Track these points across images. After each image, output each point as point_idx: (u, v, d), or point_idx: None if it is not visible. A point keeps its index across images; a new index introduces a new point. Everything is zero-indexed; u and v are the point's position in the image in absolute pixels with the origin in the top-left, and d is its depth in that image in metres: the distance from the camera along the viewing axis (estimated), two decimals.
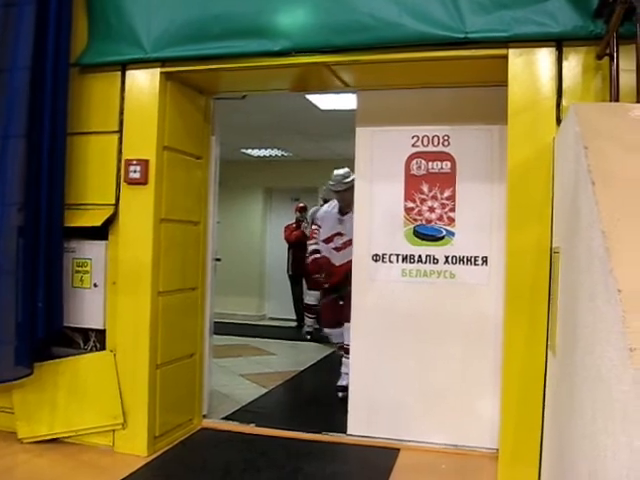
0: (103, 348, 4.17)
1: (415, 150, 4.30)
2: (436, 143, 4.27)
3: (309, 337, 8.98)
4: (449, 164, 4.23)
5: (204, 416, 4.69)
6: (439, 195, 4.23)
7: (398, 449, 4.15)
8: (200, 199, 4.63)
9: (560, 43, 3.39)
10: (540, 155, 3.37)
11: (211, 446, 4.27)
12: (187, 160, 4.44)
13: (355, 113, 4.49)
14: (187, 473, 3.81)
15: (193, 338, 4.58)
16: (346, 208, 5.52)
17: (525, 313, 3.39)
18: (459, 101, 4.20)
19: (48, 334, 3.98)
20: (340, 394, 5.30)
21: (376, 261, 4.34)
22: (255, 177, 11.10)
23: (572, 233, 2.59)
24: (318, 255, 5.82)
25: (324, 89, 4.86)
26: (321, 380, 6.18)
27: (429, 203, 4.24)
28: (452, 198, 4.21)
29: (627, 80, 3.01)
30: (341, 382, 5.50)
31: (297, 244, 9.09)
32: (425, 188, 4.26)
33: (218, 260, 5.01)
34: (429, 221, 4.24)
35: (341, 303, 5.47)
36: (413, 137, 4.31)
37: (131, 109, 4.12)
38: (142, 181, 4.04)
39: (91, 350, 4.22)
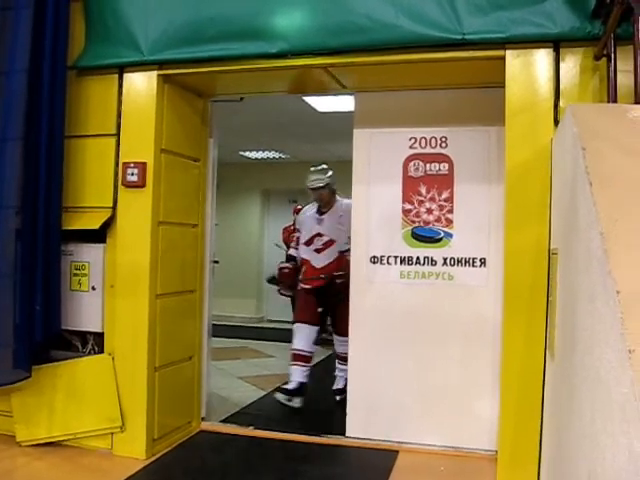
0: (101, 351, 4.17)
1: (413, 152, 4.30)
2: (434, 145, 4.27)
3: None
4: (447, 166, 4.23)
5: (203, 419, 4.68)
6: (437, 197, 4.22)
7: (397, 451, 4.15)
8: (198, 201, 4.63)
9: (557, 44, 3.39)
10: (538, 156, 3.37)
11: (210, 449, 4.27)
12: (185, 163, 4.43)
13: (353, 115, 4.49)
14: (186, 476, 3.81)
15: (191, 341, 4.57)
16: (324, 206, 5.55)
17: (523, 314, 3.40)
18: (456, 103, 4.21)
19: (46, 337, 3.98)
20: (337, 397, 5.36)
21: (374, 263, 4.34)
22: (253, 179, 11.11)
23: (570, 234, 2.59)
24: (285, 265, 5.94)
25: (322, 91, 4.86)
26: (320, 382, 6.15)
27: (427, 205, 4.24)
28: (450, 200, 4.21)
29: (625, 81, 3.01)
30: (336, 385, 5.60)
31: None
32: (423, 190, 4.26)
33: (216, 262, 5.00)
34: (427, 223, 4.24)
35: (319, 310, 5.54)
36: (411, 139, 4.31)
37: (129, 112, 4.12)
38: (140, 184, 4.03)
39: (89, 353, 4.22)
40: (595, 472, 1.79)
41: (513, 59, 3.46)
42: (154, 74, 4.07)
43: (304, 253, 5.67)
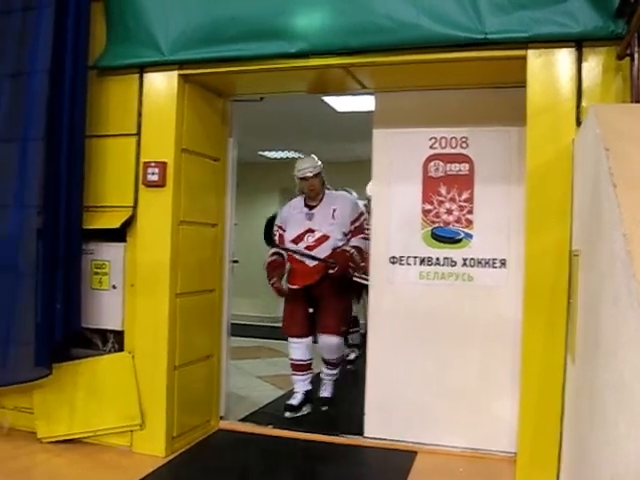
0: (121, 349, 4.20)
1: (433, 152, 4.28)
2: (454, 145, 4.25)
3: None
4: (467, 166, 4.21)
5: (221, 417, 4.70)
6: (457, 197, 4.20)
7: (415, 452, 4.13)
8: (218, 201, 4.64)
9: (580, 43, 3.35)
10: (559, 157, 3.34)
11: (228, 447, 4.28)
12: (205, 162, 4.45)
13: (373, 115, 4.48)
14: (204, 474, 3.83)
15: (210, 340, 4.59)
16: (314, 199, 5.04)
17: (544, 316, 3.37)
18: (477, 103, 4.18)
19: (67, 335, 4.01)
20: (323, 408, 5.16)
21: (394, 263, 4.33)
22: (272, 179, 11.11)
23: (593, 236, 2.57)
24: (275, 257, 5.20)
25: (341, 91, 4.85)
26: (338, 382, 6.15)
27: (447, 205, 4.22)
28: (470, 200, 4.18)
29: None
30: (323, 392, 5.33)
31: None
32: (443, 190, 4.24)
33: (235, 262, 5.01)
34: (447, 223, 4.22)
35: (311, 311, 5.09)
36: (431, 139, 4.29)
37: (149, 112, 4.14)
38: (160, 183, 4.05)
39: (110, 351, 4.24)
40: (618, 476, 1.77)
41: (535, 59, 3.42)
42: (174, 74, 4.08)
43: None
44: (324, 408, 5.09)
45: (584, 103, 3.32)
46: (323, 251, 4.89)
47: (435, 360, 4.22)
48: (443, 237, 4.22)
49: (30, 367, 3.93)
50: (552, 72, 3.40)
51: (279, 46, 3.78)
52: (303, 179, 5.00)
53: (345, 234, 4.96)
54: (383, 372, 4.35)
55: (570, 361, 3.13)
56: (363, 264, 4.92)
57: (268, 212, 11.43)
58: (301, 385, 5.12)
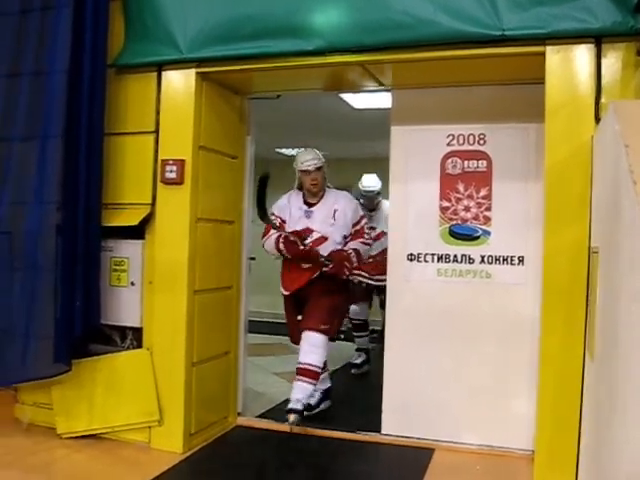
0: (140, 346, 4.22)
1: (450, 149, 4.27)
2: (472, 142, 4.23)
3: (342, 336, 8.97)
4: (485, 163, 4.19)
5: (239, 414, 4.71)
6: (475, 194, 4.19)
7: (433, 449, 4.12)
8: (235, 198, 4.66)
9: (599, 39, 3.33)
10: (578, 154, 3.32)
11: (246, 444, 4.30)
12: (222, 160, 4.46)
13: (390, 112, 4.47)
14: (222, 470, 3.84)
15: (228, 336, 4.61)
16: (315, 195, 4.60)
17: (562, 313, 3.36)
18: (495, 99, 4.16)
19: (86, 332, 4.05)
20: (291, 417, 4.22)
21: (411, 261, 4.32)
22: (289, 176, 11.11)
23: (612, 233, 2.55)
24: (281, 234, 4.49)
25: (358, 88, 4.84)
26: (354, 379, 6.17)
27: (465, 202, 4.20)
28: (488, 197, 4.17)
29: None
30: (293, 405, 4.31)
31: None
32: (461, 187, 4.22)
33: (253, 259, 5.02)
34: (465, 220, 4.21)
35: (299, 318, 4.53)
36: (448, 136, 4.27)
37: (167, 109, 4.16)
38: (178, 181, 4.07)
39: (128, 348, 4.28)
40: (637, 475, 1.77)
41: (553, 55, 3.41)
42: (192, 72, 4.10)
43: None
44: (298, 415, 4.24)
45: (603, 99, 3.30)
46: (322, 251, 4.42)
47: (453, 357, 4.20)
48: (461, 234, 4.21)
49: (49, 363, 3.96)
50: (571, 68, 3.38)
51: (296, 44, 3.79)
52: (305, 172, 4.56)
53: (345, 237, 4.56)
54: (401, 369, 4.34)
55: (589, 359, 3.11)
56: (360, 270, 4.88)
57: None
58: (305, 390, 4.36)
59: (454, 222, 4.23)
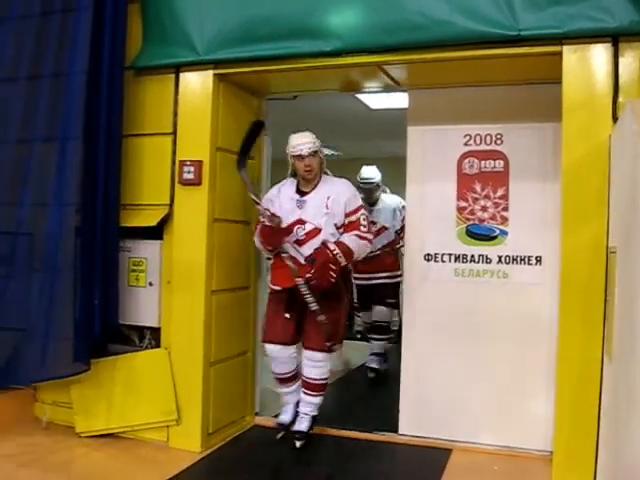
0: (158, 346, 4.25)
1: (467, 149, 4.26)
2: (489, 142, 4.22)
3: (359, 336, 8.94)
4: (502, 163, 4.18)
5: (256, 413, 4.73)
6: (492, 194, 4.18)
7: (450, 449, 4.11)
8: None
9: (616, 39, 3.31)
10: (596, 153, 3.31)
11: (263, 443, 4.30)
12: None
13: (406, 112, 4.47)
14: (240, 469, 3.86)
15: (245, 336, 4.62)
16: (309, 183, 4.11)
17: (580, 313, 3.35)
18: (512, 99, 4.15)
19: (105, 332, 4.08)
20: (298, 443, 4.13)
21: (428, 260, 4.31)
22: None
23: (630, 232, 2.54)
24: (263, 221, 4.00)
25: (375, 89, 4.84)
26: (371, 379, 6.16)
27: (482, 202, 4.19)
28: (505, 197, 4.16)
29: None
30: (298, 426, 4.22)
31: None
32: (478, 187, 4.21)
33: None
34: (482, 220, 4.20)
35: (287, 316, 4.07)
36: (465, 136, 4.27)
37: (185, 111, 4.19)
38: (196, 182, 4.09)
39: (146, 347, 4.31)
40: None
41: (570, 55, 3.40)
42: (209, 73, 4.12)
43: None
44: (298, 444, 4.13)
45: (621, 99, 3.29)
46: (314, 247, 3.98)
47: (470, 357, 4.19)
48: (478, 234, 4.20)
49: (68, 362, 4.00)
50: (588, 68, 3.37)
51: (313, 45, 3.80)
52: (298, 157, 4.05)
53: (337, 227, 4.03)
54: (418, 369, 4.34)
55: (607, 359, 3.10)
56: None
57: None
58: (291, 397, 4.31)
59: (471, 222, 4.22)
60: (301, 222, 4.04)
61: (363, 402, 5.42)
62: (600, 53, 3.35)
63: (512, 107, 4.16)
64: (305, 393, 4.20)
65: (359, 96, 6.03)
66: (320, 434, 4.39)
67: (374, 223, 5.57)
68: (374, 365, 6.14)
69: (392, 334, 6.27)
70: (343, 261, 3.93)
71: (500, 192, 4.17)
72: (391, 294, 6.15)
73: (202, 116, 4.14)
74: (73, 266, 3.97)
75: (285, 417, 4.29)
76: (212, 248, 4.15)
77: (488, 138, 4.22)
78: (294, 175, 4.20)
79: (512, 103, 4.16)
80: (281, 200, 4.12)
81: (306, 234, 4.01)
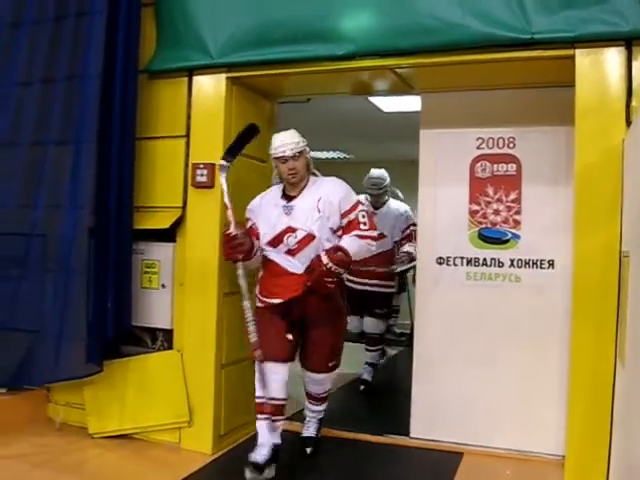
0: (170, 347, 4.27)
1: (480, 152, 4.26)
2: (501, 145, 4.21)
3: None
4: (514, 166, 4.17)
5: None
6: (504, 198, 4.17)
7: (462, 453, 4.11)
8: None
9: (630, 42, 3.30)
10: (609, 157, 3.30)
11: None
12: (252, 163, 4.48)
13: (419, 115, 4.47)
14: None
15: None
16: (295, 186, 3.74)
17: (593, 318, 3.33)
18: (524, 102, 4.14)
19: (117, 333, 4.10)
20: (308, 449, 4.11)
21: (440, 264, 4.31)
22: None
23: None
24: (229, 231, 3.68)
25: (388, 92, 4.84)
26: (383, 382, 6.15)
27: (494, 206, 4.19)
28: (517, 201, 4.15)
29: None
30: (306, 432, 4.22)
31: None
32: (490, 191, 4.21)
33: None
34: (494, 224, 4.19)
35: (290, 337, 3.75)
36: (478, 139, 4.26)
37: (198, 114, 4.21)
38: (209, 184, 4.11)
39: (159, 349, 4.33)
40: None
41: (583, 58, 3.39)
42: (223, 76, 4.14)
43: (271, 256, 3.77)
44: (308, 450, 4.10)
45: (634, 103, 3.28)
46: (309, 256, 3.63)
47: (482, 361, 4.19)
48: (490, 238, 4.20)
49: (81, 364, 4.03)
50: (601, 71, 3.36)
51: (327, 48, 3.81)
52: (281, 159, 3.70)
53: (334, 231, 3.69)
54: (430, 373, 4.34)
55: (620, 365, 3.08)
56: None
57: None
58: (270, 437, 3.69)
59: (483, 226, 4.22)
60: (291, 230, 3.66)
61: (374, 405, 5.40)
62: (613, 57, 3.33)
63: (525, 110, 4.15)
64: (310, 402, 4.23)
65: (372, 99, 6.03)
66: (331, 436, 4.39)
67: None
68: (366, 377, 5.96)
69: (383, 344, 6.22)
70: (340, 270, 3.62)
71: (512, 196, 4.16)
72: (381, 304, 5.90)
73: (215, 119, 4.16)
74: (87, 268, 4.00)
75: (259, 457, 3.56)
76: None
77: (501, 141, 4.22)
78: (281, 180, 3.85)
79: (525, 106, 4.15)
80: (264, 210, 3.79)
81: (298, 242, 3.64)
